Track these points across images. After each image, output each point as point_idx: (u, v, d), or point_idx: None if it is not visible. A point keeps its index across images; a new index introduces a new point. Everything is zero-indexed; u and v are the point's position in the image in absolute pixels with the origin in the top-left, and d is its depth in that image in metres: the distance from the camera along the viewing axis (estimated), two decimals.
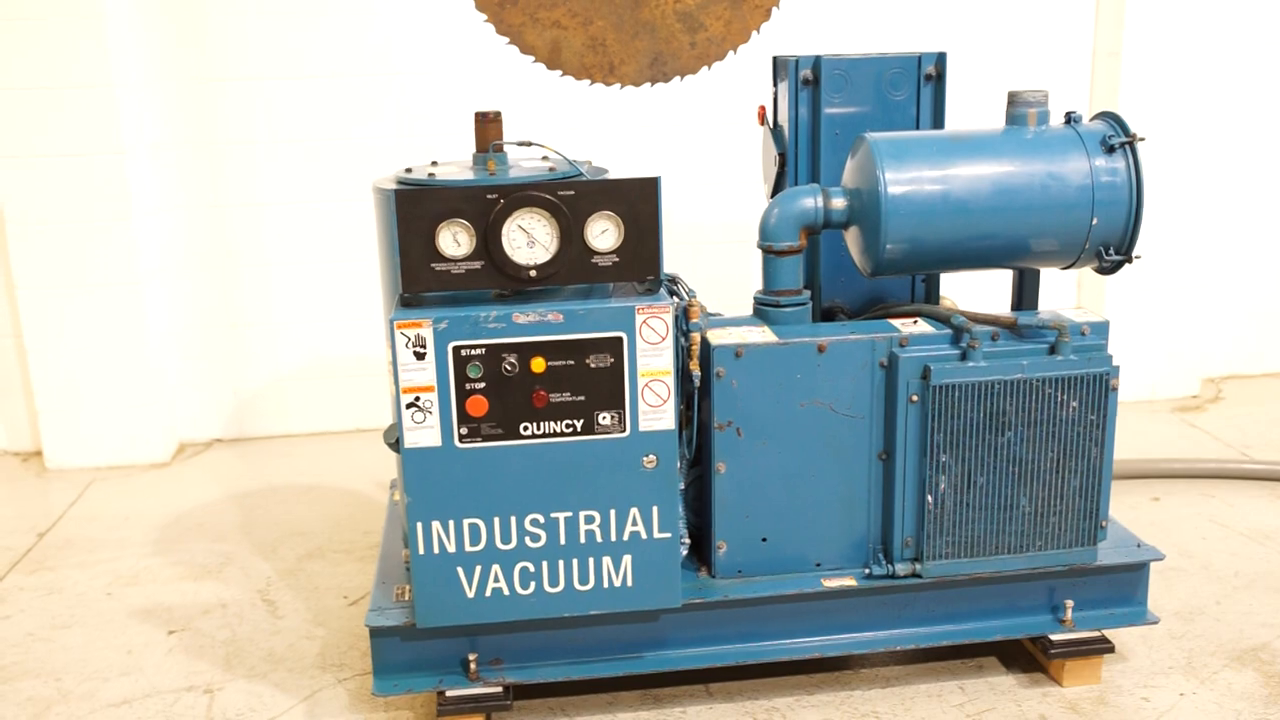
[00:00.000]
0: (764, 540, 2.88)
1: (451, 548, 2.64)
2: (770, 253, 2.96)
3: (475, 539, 2.64)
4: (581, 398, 2.58)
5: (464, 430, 2.58)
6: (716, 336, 2.81)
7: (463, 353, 2.54)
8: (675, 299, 2.75)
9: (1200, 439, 4.81)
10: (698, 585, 2.88)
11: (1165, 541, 3.76)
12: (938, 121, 3.20)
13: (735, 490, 2.84)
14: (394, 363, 2.53)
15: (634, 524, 2.67)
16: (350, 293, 4.92)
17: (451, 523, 2.63)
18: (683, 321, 2.75)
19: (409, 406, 2.56)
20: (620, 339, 2.56)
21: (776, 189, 3.33)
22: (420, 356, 2.54)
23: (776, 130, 3.29)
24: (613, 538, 2.67)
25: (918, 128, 3.18)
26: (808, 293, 3.02)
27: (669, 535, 2.69)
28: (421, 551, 2.64)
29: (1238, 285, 5.49)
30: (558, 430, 2.60)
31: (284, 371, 5.06)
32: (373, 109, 4.81)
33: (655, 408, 2.61)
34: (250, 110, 4.76)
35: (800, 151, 3.20)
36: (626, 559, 2.69)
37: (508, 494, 2.63)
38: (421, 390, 2.55)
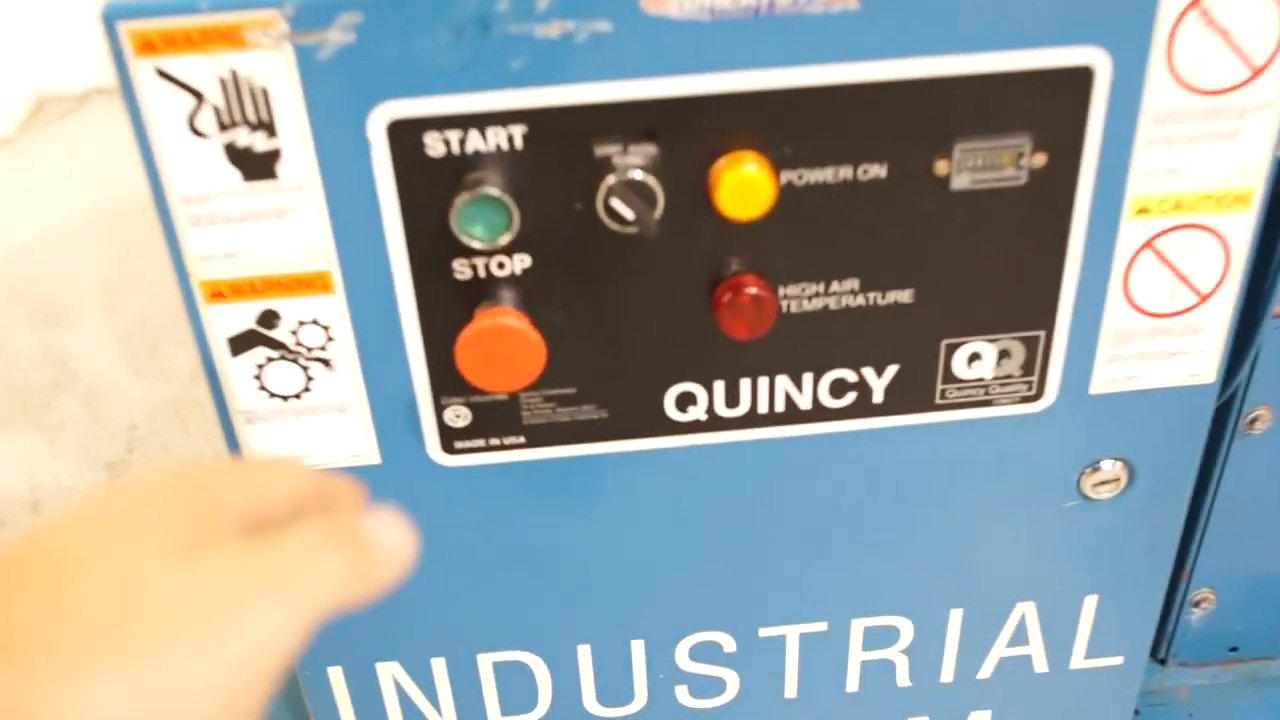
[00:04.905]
0: None
1: None
2: None
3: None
4: (907, 292, 0.67)
5: (456, 416, 0.69)
6: None
7: (427, 138, 0.60)
8: None
9: None
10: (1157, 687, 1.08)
11: None
12: None
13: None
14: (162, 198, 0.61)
15: (1018, 641, 0.85)
16: None
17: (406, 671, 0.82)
18: None
19: (239, 347, 0.66)
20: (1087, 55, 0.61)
21: None
22: (260, 168, 0.60)
23: None
24: (950, 671, 0.87)
25: None
26: None
27: (1119, 660, 0.87)
28: None
29: None
30: (823, 406, 0.71)
31: None
32: None
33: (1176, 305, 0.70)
34: None
35: None
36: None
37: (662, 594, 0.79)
38: (273, 285, 0.64)
